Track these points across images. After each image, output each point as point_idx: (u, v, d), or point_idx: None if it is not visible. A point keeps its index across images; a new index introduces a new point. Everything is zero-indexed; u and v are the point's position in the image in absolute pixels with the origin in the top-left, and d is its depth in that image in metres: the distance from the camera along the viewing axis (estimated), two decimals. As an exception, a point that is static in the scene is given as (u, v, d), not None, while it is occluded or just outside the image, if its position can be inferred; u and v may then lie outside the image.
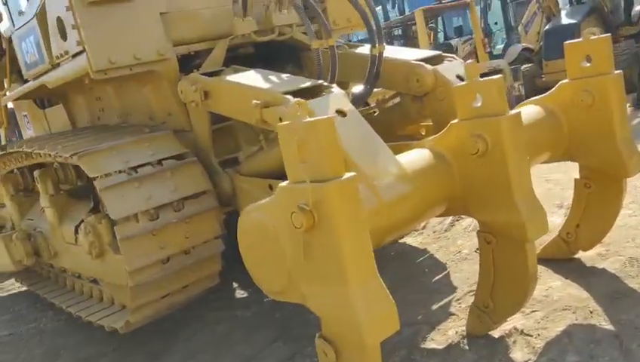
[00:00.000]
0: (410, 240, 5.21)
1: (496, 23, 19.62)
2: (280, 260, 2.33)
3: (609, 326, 3.07)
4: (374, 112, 4.20)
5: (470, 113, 2.86)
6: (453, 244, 4.81)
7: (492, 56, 16.49)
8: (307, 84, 3.11)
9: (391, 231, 2.72)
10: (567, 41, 3.72)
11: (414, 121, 3.93)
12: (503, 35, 19.25)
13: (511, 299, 3.06)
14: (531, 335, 3.15)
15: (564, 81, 3.67)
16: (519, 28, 16.60)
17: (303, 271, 2.24)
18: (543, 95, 3.83)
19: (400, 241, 5.21)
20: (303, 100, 2.83)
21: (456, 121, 2.93)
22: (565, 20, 13.25)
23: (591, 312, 3.24)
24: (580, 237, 3.87)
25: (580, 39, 3.55)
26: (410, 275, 4.41)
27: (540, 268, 3.91)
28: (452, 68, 3.58)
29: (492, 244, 2.99)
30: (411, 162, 2.90)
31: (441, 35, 18.47)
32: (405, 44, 15.56)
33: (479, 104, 2.82)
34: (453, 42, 16.90)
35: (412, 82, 3.61)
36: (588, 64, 3.51)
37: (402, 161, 2.87)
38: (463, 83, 2.88)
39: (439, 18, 18.11)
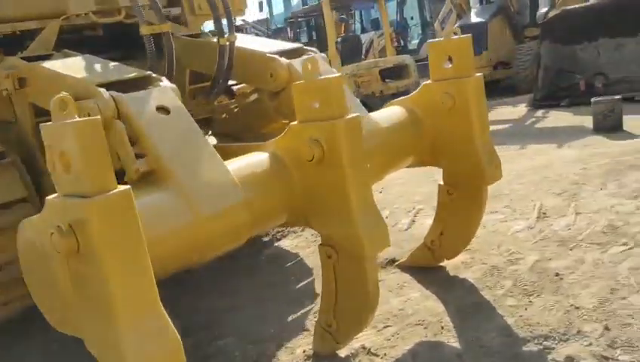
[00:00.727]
0: (287, 242, 4.94)
1: (412, 18, 19.85)
2: (54, 286, 1.95)
3: (455, 344, 2.91)
4: (236, 107, 3.86)
5: (308, 115, 2.58)
6: (327, 249, 4.57)
7: (407, 51, 16.61)
8: (131, 75, 2.72)
9: (211, 248, 2.40)
10: (430, 40, 3.56)
11: (273, 118, 3.63)
12: (419, 30, 19.49)
13: (353, 319, 2.83)
14: (377, 355, 2.94)
15: (427, 82, 3.50)
16: (435, 24, 16.79)
17: (74, 302, 1.87)
18: (408, 96, 3.65)
19: (275, 244, 4.94)
20: (116, 94, 2.45)
21: (295, 123, 2.64)
22: (474, 19, 13.46)
23: (442, 328, 3.08)
24: (444, 245, 3.72)
25: (441, 39, 3.37)
26: (275, 283, 4.13)
27: (405, 278, 3.79)
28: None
29: (333, 259, 2.74)
30: (244, 168, 2.59)
31: (358, 27, 18.41)
32: (314, 36, 15.29)
33: (317, 105, 2.55)
34: (369, 35, 16.85)
35: (266, 77, 3.29)
36: (449, 65, 3.34)
37: (234, 166, 2.55)
38: (301, 81, 2.59)
39: (357, 11, 18.03)
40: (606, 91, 10.01)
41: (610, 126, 6.93)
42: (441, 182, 3.61)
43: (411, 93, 3.59)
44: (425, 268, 3.82)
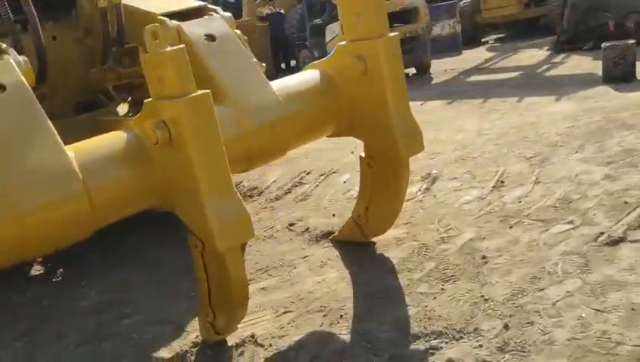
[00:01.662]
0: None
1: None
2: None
3: (344, 337, 2.68)
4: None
5: (156, 91, 2.31)
6: (272, 217, 4.36)
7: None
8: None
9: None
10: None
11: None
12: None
13: (227, 311, 2.63)
14: (262, 346, 2.75)
15: (342, 42, 3.13)
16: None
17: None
18: (325, 58, 3.30)
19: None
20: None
21: (148, 100, 2.38)
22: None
23: (340, 317, 2.85)
24: (371, 221, 3.43)
25: (353, -7, 2.97)
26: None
27: (331, 255, 3.55)
28: (204, 25, 2.97)
29: (199, 249, 2.52)
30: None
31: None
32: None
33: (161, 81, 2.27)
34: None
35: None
36: (360, 24, 2.96)
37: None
38: (150, 52, 2.29)
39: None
40: (639, 32, 9.12)
41: (620, 74, 6.25)
42: (363, 154, 3.30)
43: (328, 55, 3.24)
44: (356, 243, 3.57)
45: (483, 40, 14.09)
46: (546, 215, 3.40)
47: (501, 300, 2.68)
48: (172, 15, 3.00)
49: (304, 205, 4.48)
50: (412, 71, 10.25)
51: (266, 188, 5.04)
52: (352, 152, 5.55)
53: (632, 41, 6.40)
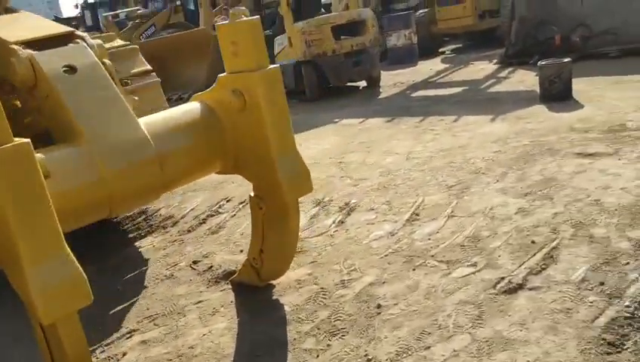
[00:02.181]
0: (150, 240, 4.46)
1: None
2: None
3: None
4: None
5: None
6: (178, 253, 4.09)
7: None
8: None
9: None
10: (219, 22, 2.94)
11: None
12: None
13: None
14: (124, 415, 2.49)
15: (223, 74, 2.88)
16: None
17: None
18: (208, 90, 3.04)
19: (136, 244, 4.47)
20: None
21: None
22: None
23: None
24: (266, 263, 3.19)
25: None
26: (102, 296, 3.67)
27: (226, 300, 3.31)
28: (65, 54, 2.69)
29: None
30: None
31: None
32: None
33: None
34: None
35: (10, 72, 2.71)
36: (238, 54, 2.72)
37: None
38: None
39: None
40: (585, 46, 9.09)
41: (556, 93, 6.15)
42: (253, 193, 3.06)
43: (210, 88, 2.99)
44: (254, 286, 3.32)
45: (440, 50, 14.03)
46: (452, 255, 3.20)
47: (384, 360, 2.46)
48: (28, 43, 2.71)
49: (215, 238, 4.21)
50: (363, 84, 10.08)
51: (181, 218, 4.77)
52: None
53: (567, 59, 6.31)
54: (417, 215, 3.84)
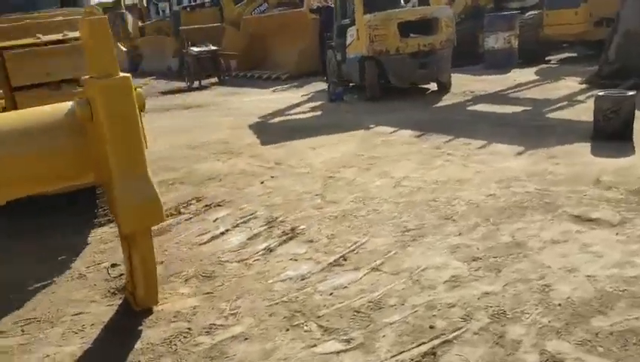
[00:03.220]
0: (104, 230, 4.36)
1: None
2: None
3: None
4: None
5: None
6: (116, 251, 3.94)
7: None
8: None
9: None
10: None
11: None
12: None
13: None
14: None
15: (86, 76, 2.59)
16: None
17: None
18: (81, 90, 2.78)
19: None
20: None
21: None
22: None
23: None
24: (136, 290, 2.93)
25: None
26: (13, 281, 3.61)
27: (97, 319, 3.07)
28: None
29: None
30: None
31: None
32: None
33: None
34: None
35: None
36: (90, 57, 2.43)
37: None
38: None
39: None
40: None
41: (611, 132, 5.14)
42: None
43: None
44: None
45: (547, 58, 12.63)
46: (337, 322, 2.70)
47: None
48: None
49: (155, 241, 4.01)
50: (433, 87, 9.35)
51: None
52: (262, 182, 5.03)
53: (632, 93, 5.24)
54: (345, 259, 3.34)
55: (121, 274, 3.54)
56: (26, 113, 2.61)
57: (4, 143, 2.40)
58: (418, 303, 2.79)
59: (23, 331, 3.03)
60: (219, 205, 4.58)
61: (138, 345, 2.75)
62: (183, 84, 14.80)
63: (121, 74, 2.40)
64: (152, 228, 4.18)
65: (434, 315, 2.67)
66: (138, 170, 2.46)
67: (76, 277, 3.60)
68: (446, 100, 8.48)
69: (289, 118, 8.54)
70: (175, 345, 2.72)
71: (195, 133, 7.69)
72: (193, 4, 23.52)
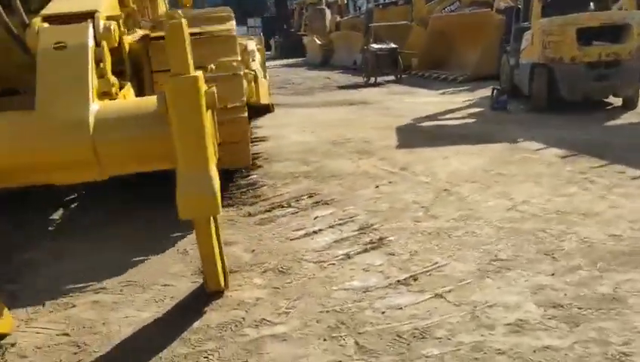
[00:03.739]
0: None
1: None
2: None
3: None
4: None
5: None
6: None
7: None
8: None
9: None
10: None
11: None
12: None
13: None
14: None
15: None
16: None
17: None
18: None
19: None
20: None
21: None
22: None
23: None
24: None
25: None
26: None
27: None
28: (66, 32, 2.95)
29: None
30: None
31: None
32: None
33: None
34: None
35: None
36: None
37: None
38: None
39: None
40: None
41: None
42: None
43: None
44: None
45: None
46: (374, 344, 2.61)
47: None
48: (53, 17, 3.13)
49: (259, 230, 4.26)
50: (618, 102, 8.28)
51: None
52: (377, 186, 4.99)
53: None
54: (415, 279, 3.18)
55: (216, 256, 3.84)
56: (137, 102, 2.98)
57: (116, 127, 2.77)
58: (466, 341, 2.56)
59: (121, 291, 3.46)
60: (326, 203, 4.68)
61: (196, 324, 2.97)
62: (361, 80, 15.16)
63: (194, 73, 2.61)
64: (259, 216, 4.51)
65: (475, 359, 2.44)
66: (199, 163, 2.64)
67: (180, 252, 3.99)
68: (625, 119, 7.46)
69: (440, 123, 8.29)
70: (225, 331, 2.89)
71: (343, 130, 7.87)
72: (387, 1, 23.78)
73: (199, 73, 2.64)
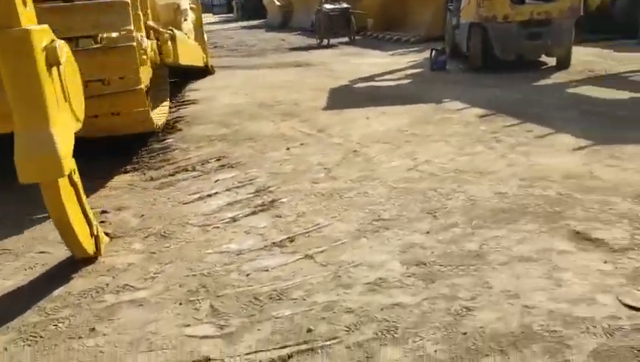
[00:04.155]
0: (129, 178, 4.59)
1: None
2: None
3: None
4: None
5: None
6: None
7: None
8: None
9: None
10: None
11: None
12: None
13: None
14: None
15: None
16: None
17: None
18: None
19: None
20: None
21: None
22: None
23: None
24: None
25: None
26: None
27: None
28: None
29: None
30: None
31: None
32: None
33: None
34: None
35: None
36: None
37: None
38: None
39: None
40: None
41: None
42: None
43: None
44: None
45: None
46: (228, 307, 2.56)
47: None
48: None
49: (156, 194, 4.14)
50: (553, 62, 8.27)
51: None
52: (288, 148, 4.90)
53: None
54: (291, 241, 3.13)
55: (103, 222, 3.72)
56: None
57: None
58: (320, 301, 2.53)
59: (-7, 260, 3.35)
60: (231, 167, 4.58)
61: (57, 292, 2.87)
62: (315, 42, 14.87)
63: (31, 27, 2.44)
64: (160, 181, 4.39)
65: (323, 318, 2.41)
66: (36, 123, 2.50)
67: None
68: (554, 79, 7.46)
69: (377, 84, 8.18)
70: (84, 298, 2.80)
71: (279, 92, 7.71)
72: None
73: (36, 27, 2.48)
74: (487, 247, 2.88)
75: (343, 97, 7.19)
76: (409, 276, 2.68)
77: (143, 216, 3.77)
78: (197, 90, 8.38)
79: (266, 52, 13.84)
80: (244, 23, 26.05)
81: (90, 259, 3.15)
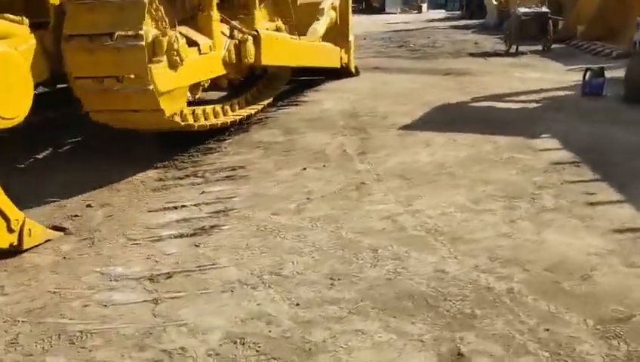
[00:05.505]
0: (148, 175, 4.77)
1: None
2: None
3: None
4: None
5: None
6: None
7: None
8: None
9: None
10: None
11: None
12: None
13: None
14: None
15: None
16: None
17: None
18: None
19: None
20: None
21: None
22: None
23: None
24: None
25: None
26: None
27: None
28: None
29: None
30: None
31: None
32: None
33: None
34: None
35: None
36: None
37: None
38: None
39: None
40: None
41: None
42: None
43: None
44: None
45: None
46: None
47: None
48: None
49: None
50: None
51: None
52: (305, 169, 4.58)
53: None
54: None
55: (76, 216, 3.93)
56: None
57: None
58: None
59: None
60: (233, 180, 4.46)
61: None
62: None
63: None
64: (162, 182, 4.43)
65: None
66: None
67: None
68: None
69: (500, 105, 7.03)
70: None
71: (384, 102, 7.17)
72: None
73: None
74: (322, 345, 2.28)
75: (438, 116, 6.38)
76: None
77: (111, 216, 3.88)
78: (318, 90, 8.29)
79: (439, 56, 13.03)
80: (463, 22, 24.81)
81: (15, 253, 3.34)
